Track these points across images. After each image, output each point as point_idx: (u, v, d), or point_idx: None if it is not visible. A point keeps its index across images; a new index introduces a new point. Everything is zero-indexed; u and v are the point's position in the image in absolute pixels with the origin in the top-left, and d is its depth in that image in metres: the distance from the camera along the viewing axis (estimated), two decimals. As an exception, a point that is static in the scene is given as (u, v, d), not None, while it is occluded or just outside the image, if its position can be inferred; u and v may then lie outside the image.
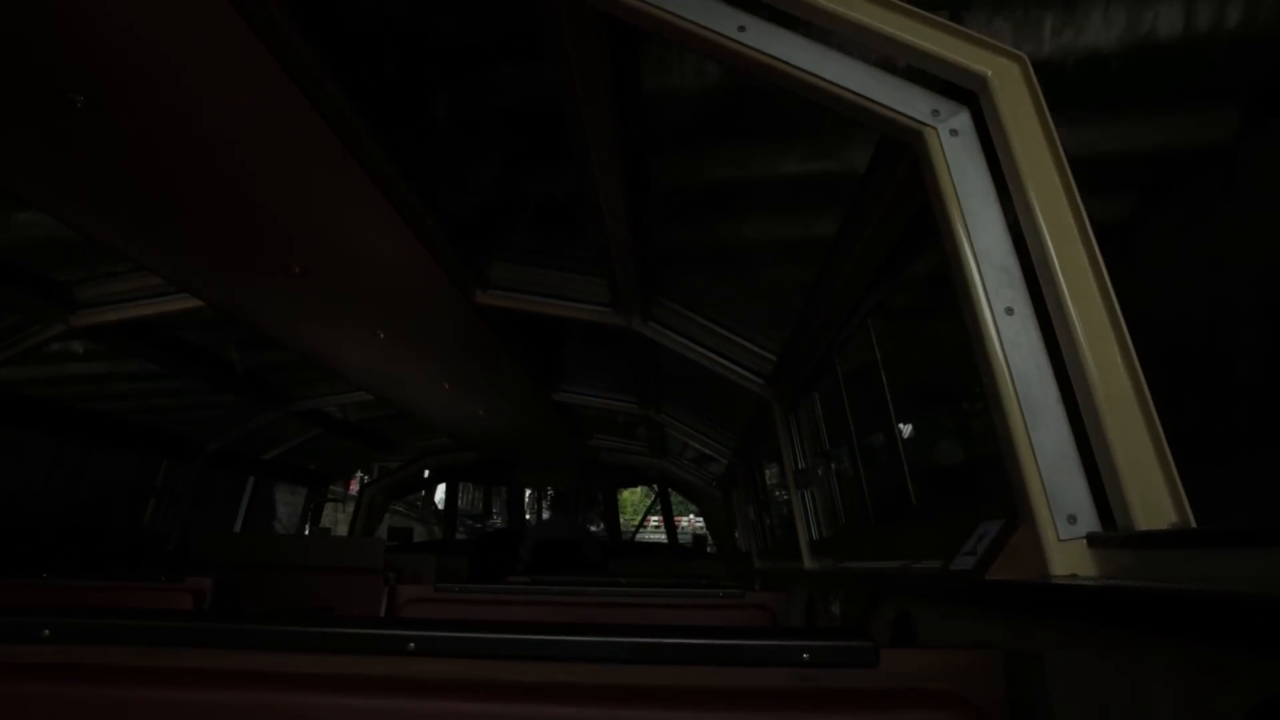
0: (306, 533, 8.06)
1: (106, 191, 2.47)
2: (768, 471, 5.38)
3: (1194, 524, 1.04)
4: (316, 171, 2.32)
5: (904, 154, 1.61)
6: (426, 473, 8.23)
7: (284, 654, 1.01)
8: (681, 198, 2.99)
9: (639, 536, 9.35)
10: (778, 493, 5.35)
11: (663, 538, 9.28)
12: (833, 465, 4.06)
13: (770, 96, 2.24)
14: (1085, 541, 1.11)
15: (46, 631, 1.03)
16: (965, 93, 1.43)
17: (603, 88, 1.97)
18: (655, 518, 9.98)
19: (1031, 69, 1.36)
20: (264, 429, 5.90)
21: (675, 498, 8.69)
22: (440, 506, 8.75)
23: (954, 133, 1.42)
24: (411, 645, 1.00)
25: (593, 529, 8.64)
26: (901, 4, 1.43)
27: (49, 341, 3.65)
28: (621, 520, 9.22)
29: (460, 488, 9.07)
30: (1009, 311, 1.29)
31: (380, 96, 2.28)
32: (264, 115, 2.05)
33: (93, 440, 4.66)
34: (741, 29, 1.51)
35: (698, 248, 3.49)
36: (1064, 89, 1.74)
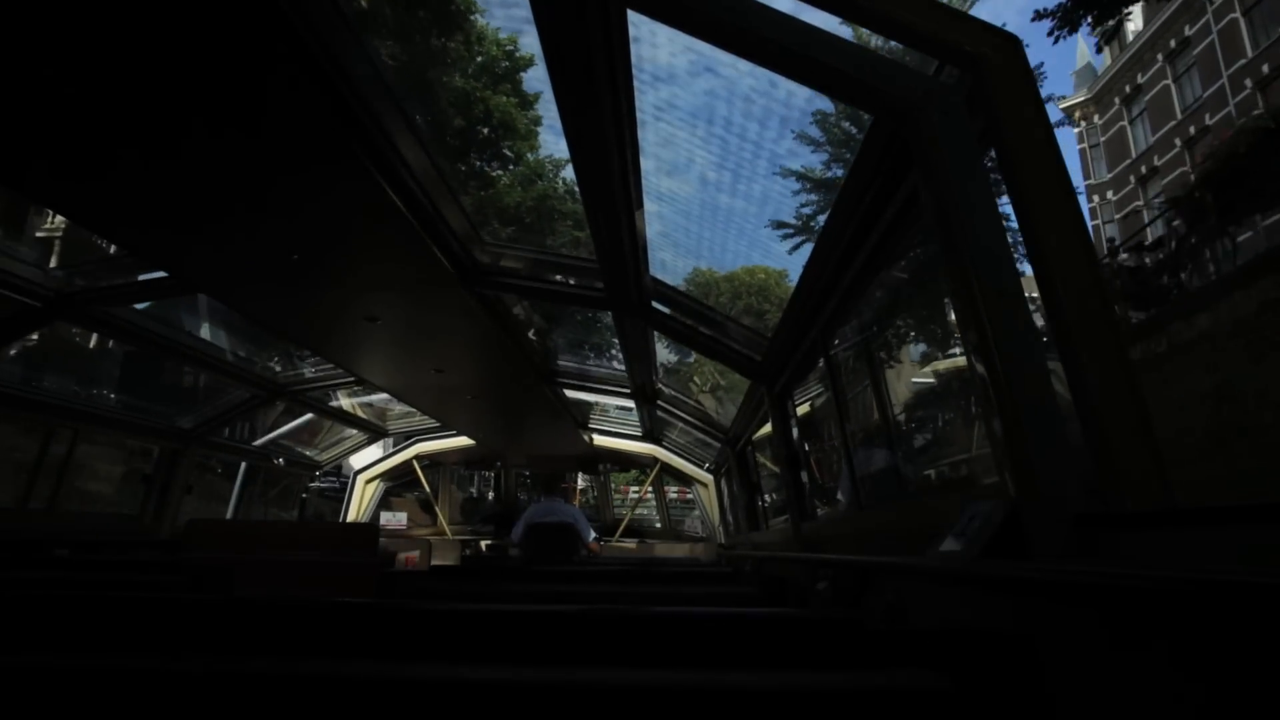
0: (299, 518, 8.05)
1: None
2: (760, 456, 5.41)
3: (1180, 503, 1.05)
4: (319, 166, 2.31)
5: (895, 136, 1.60)
6: (416, 458, 8.22)
7: (277, 637, 1.01)
8: (675, 179, 2.97)
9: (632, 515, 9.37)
10: (770, 477, 5.38)
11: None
12: (824, 449, 4.08)
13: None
14: (1074, 522, 1.11)
15: (43, 615, 1.02)
16: (957, 74, 1.42)
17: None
18: (637, 488, 10.05)
19: (1024, 50, 1.35)
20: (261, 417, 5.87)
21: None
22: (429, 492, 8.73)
23: (946, 114, 1.41)
24: (405, 627, 1.00)
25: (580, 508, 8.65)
26: (894, -17, 1.42)
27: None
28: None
29: (450, 473, 9.06)
30: (1000, 293, 1.29)
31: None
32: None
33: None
34: (731, 7, 1.49)
35: (691, 230, 3.47)
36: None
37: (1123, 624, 0.86)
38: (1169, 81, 20.59)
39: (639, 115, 2.21)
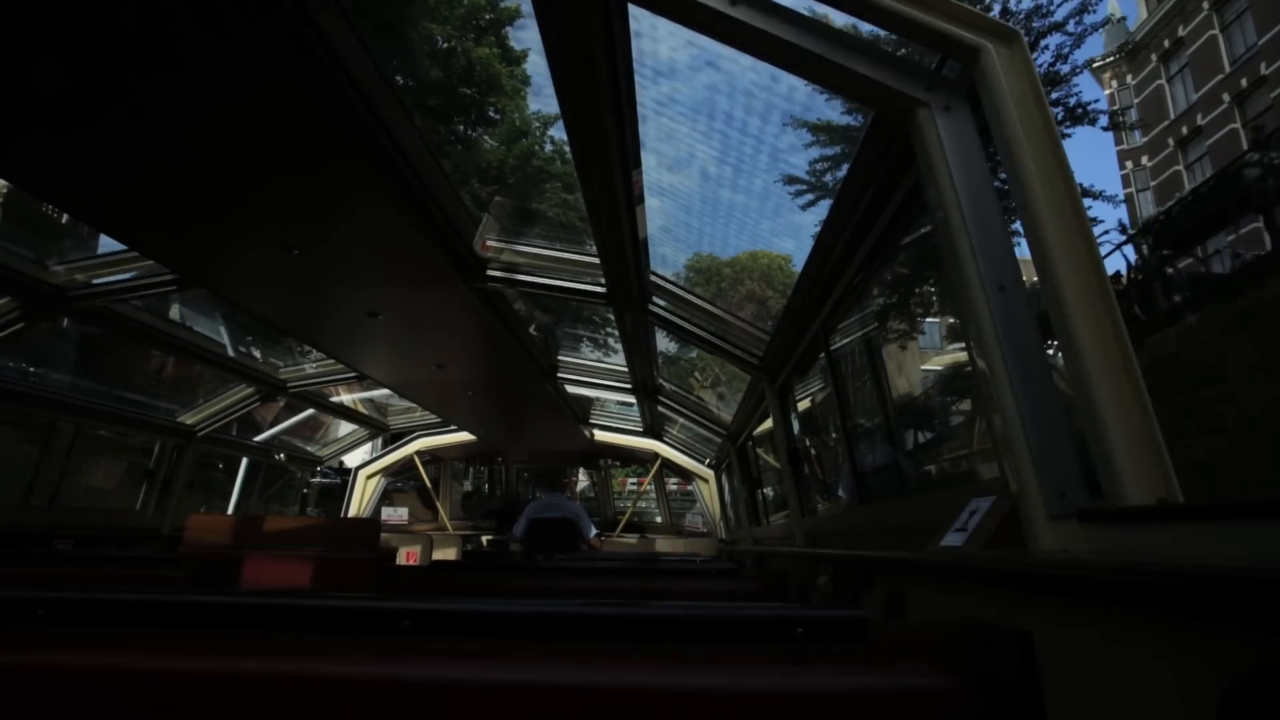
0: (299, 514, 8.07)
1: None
2: (760, 452, 5.41)
3: (1181, 498, 1.05)
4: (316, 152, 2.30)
5: (897, 131, 1.60)
6: (417, 453, 8.23)
7: (278, 632, 1.01)
8: (677, 174, 2.96)
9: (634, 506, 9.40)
10: (770, 473, 5.38)
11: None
12: (824, 445, 4.08)
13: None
14: (1075, 517, 1.12)
15: (40, 611, 1.02)
16: (959, 69, 1.42)
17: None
18: (634, 479, 10.04)
19: (1026, 45, 1.35)
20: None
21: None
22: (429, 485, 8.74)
23: (947, 109, 1.41)
24: (406, 623, 1.00)
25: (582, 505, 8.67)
26: (896, -22, 1.41)
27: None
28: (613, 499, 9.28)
29: (451, 468, 9.07)
30: (1001, 289, 1.29)
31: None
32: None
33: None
34: (733, 2, 1.49)
35: (693, 225, 3.47)
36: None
37: (1123, 619, 0.86)
38: (1216, 31, 18.78)
39: (640, 110, 2.21)
